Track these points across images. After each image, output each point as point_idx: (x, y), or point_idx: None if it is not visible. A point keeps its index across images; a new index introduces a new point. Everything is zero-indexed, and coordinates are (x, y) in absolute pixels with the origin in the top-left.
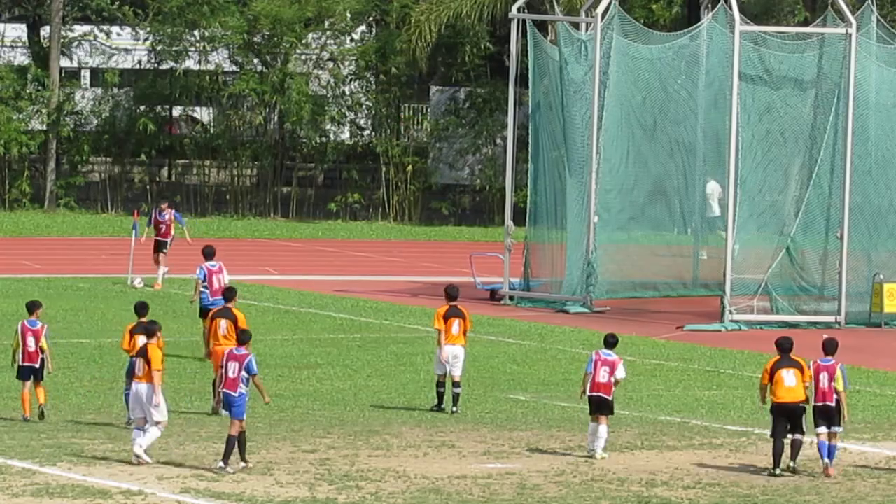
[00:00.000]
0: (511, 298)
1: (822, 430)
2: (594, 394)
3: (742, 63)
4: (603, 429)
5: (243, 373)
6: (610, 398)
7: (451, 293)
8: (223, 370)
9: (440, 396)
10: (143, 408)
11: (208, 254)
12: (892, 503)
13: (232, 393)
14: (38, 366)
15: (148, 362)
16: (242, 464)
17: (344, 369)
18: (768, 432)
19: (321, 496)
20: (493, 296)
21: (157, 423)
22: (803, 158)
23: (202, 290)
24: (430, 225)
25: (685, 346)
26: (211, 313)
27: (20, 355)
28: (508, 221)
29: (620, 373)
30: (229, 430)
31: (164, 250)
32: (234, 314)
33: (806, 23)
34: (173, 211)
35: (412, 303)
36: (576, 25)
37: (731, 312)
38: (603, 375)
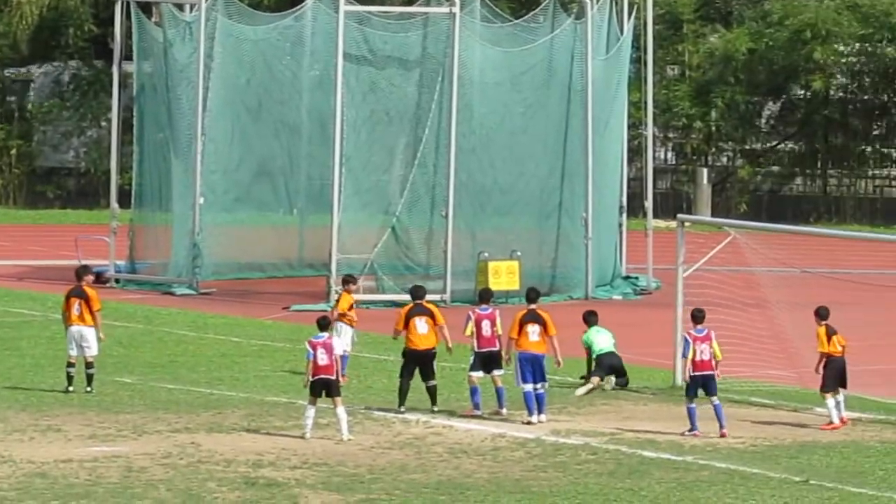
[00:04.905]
0: (117, 281)
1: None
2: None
3: (346, 43)
4: None
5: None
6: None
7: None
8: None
9: (69, 378)
10: None
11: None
12: (497, 480)
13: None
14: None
15: None
16: None
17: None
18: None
19: None
20: (99, 279)
21: None
22: (408, 138)
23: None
24: (35, 209)
25: (291, 326)
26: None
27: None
28: (114, 204)
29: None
30: None
31: None
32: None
33: (410, 3)
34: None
35: (15, 287)
36: (180, 7)
37: (336, 292)
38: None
